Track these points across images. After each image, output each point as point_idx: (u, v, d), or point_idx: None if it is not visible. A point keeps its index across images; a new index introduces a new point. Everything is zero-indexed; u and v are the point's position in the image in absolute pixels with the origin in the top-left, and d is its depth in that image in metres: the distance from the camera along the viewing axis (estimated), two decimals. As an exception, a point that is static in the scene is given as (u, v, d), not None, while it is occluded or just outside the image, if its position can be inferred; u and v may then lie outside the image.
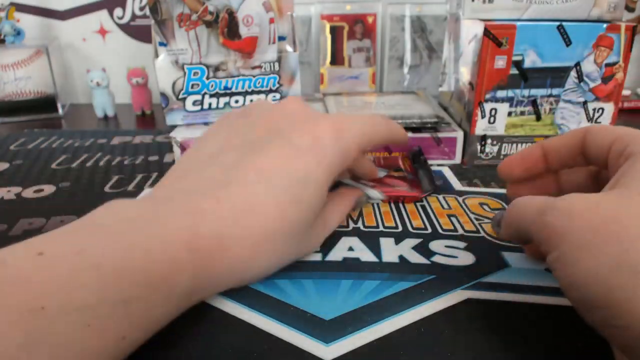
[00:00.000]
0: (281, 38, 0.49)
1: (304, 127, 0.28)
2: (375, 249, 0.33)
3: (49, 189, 0.45)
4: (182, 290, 0.22)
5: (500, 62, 0.45)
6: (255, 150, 0.27)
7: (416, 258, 0.32)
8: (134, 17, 0.80)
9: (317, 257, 0.32)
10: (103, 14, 0.80)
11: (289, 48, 0.50)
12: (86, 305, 0.17)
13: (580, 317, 0.21)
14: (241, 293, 0.28)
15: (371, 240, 0.34)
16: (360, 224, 0.36)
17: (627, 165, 0.22)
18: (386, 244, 0.33)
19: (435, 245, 0.33)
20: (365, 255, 0.32)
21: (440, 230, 0.35)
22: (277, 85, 0.50)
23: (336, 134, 0.28)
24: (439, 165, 0.49)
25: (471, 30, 0.48)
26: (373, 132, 0.31)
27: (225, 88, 0.50)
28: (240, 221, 0.25)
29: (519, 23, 0.44)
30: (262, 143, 0.27)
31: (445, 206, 0.39)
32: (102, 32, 0.81)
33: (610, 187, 0.22)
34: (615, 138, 0.24)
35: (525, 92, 0.46)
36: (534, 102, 0.47)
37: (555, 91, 0.47)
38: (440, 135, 0.48)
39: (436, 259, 0.31)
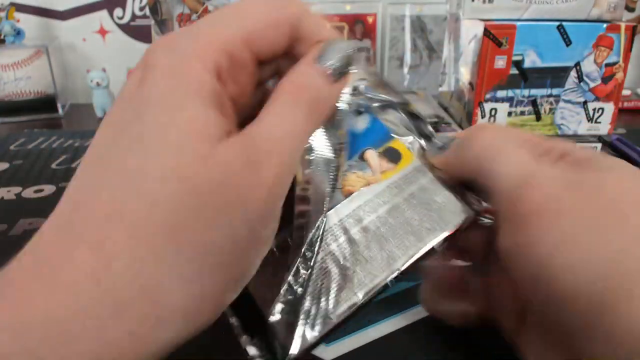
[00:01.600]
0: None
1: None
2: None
3: (49, 189, 0.45)
4: None
5: (500, 62, 0.45)
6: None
7: (416, 258, 0.32)
8: (134, 17, 0.80)
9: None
10: (103, 14, 0.80)
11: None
12: None
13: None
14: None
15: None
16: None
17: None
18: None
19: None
20: (365, 255, 0.32)
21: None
22: (277, 85, 0.50)
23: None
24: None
25: (471, 30, 0.48)
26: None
27: (225, 88, 0.49)
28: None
29: (519, 23, 0.44)
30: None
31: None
32: (102, 32, 0.81)
33: None
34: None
35: (525, 92, 0.46)
36: (534, 102, 0.47)
37: (555, 91, 0.47)
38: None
39: (436, 259, 0.31)
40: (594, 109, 0.47)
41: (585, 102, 0.47)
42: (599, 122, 0.48)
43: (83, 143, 0.58)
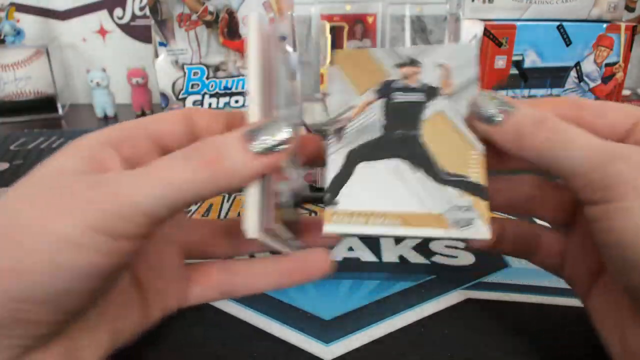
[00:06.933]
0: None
1: None
2: (375, 249, 0.33)
3: (49, 189, 0.45)
4: None
5: (500, 62, 0.45)
6: None
7: (416, 258, 0.32)
8: (134, 17, 0.80)
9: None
10: (103, 14, 0.80)
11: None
12: None
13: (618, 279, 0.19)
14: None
15: (371, 240, 0.34)
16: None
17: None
18: (386, 244, 0.33)
19: (435, 245, 0.33)
20: (365, 255, 0.32)
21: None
22: (277, 85, 0.50)
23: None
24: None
25: (471, 30, 0.48)
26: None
27: (225, 88, 0.50)
28: None
29: (519, 23, 0.44)
30: None
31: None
32: (102, 32, 0.81)
33: None
34: None
35: (525, 92, 0.46)
36: (534, 102, 0.47)
37: (555, 91, 0.47)
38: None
39: (436, 259, 0.32)
40: (594, 109, 0.47)
41: (585, 102, 0.47)
42: (599, 122, 0.48)
43: (83, 143, 0.58)
